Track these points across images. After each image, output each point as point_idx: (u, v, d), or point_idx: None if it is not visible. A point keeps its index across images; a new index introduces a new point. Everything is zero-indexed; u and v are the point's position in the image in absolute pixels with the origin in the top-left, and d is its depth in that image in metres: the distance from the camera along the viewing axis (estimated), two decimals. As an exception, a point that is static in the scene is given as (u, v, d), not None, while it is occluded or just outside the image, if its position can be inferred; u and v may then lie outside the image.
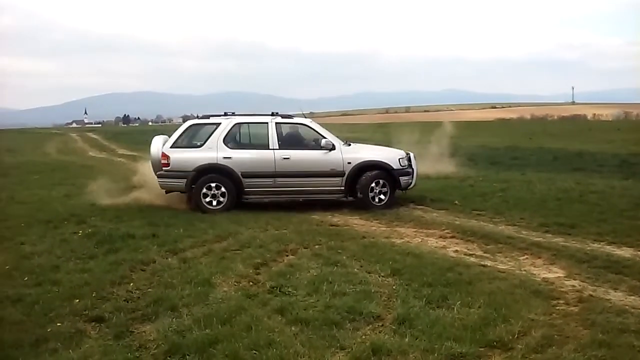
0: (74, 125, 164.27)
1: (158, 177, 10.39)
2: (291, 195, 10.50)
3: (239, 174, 10.13)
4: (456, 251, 7.23)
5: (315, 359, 4.07)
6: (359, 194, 10.23)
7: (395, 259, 6.59)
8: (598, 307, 5.00)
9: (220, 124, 10.43)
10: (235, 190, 10.15)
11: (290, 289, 5.58)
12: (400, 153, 10.92)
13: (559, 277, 6.04)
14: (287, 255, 6.99)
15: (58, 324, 4.75)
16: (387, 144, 13.10)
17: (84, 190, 11.81)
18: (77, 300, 5.30)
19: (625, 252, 6.97)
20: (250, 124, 10.86)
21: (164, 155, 10.21)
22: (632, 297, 5.32)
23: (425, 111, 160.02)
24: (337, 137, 10.72)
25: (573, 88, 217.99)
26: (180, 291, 5.53)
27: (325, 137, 10.43)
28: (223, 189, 10.09)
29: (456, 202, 10.77)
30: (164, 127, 69.45)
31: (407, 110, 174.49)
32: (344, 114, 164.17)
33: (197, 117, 11.06)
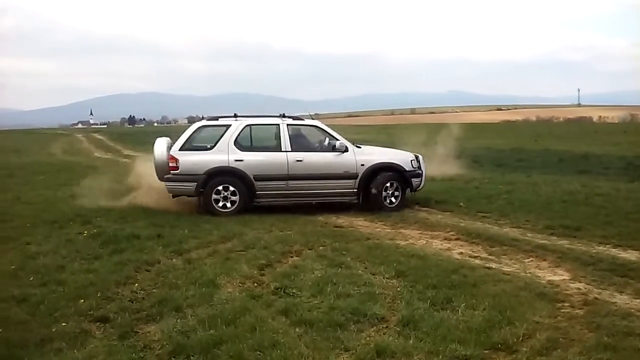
0: (80, 125, 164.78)
1: (166, 181, 10.08)
2: (304, 198, 10.30)
3: (251, 177, 9.93)
4: (461, 253, 7.22)
5: (319, 361, 4.07)
6: (372, 196, 10.18)
7: (400, 261, 6.59)
8: (603, 310, 4.98)
9: (230, 125, 10.23)
10: (247, 193, 9.95)
11: (294, 290, 5.58)
12: (411, 155, 10.93)
13: (564, 279, 6.02)
14: (291, 257, 6.99)
15: (63, 324, 4.76)
16: (393, 145, 13.07)
17: (88, 191, 11.83)
18: (82, 301, 5.31)
19: (630, 255, 6.94)
20: (261, 126, 10.64)
21: (173, 158, 9.92)
22: (638, 300, 5.29)
23: (430, 113, 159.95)
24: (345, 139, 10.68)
25: (579, 90, 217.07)
26: (185, 292, 5.54)
27: (337, 139, 10.34)
28: (235, 193, 9.88)
29: (461, 204, 10.76)
30: (169, 128, 69.63)
31: (412, 111, 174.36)
32: (349, 115, 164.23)
33: (206, 119, 10.79)
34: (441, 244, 7.75)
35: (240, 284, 5.87)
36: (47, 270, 6.35)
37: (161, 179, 10.29)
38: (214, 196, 9.85)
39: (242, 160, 9.96)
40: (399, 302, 5.26)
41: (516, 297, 5.30)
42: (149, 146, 14.23)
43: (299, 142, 10.38)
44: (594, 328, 4.59)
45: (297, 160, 10.10)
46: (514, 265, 6.61)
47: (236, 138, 10.12)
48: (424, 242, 7.90)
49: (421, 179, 10.72)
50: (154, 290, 5.72)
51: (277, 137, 10.26)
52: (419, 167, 10.73)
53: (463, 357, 4.09)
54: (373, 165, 10.30)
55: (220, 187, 9.85)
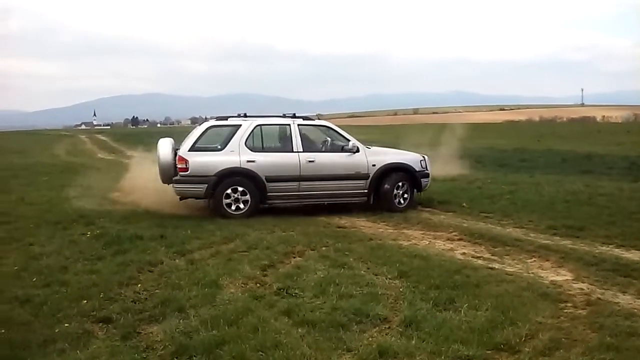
0: (83, 126, 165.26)
1: (174, 183, 9.76)
2: (315, 199, 10.17)
3: (263, 178, 9.71)
4: (464, 253, 7.22)
5: (322, 361, 4.07)
6: (383, 197, 10.17)
7: (403, 261, 6.58)
8: (606, 311, 4.97)
9: (240, 125, 9.98)
10: (259, 195, 9.76)
11: (297, 291, 5.58)
12: (420, 155, 10.96)
13: (567, 280, 6.01)
14: (294, 257, 6.99)
15: (66, 325, 4.77)
16: (396, 146, 13.07)
17: (89, 192, 11.84)
18: (85, 301, 5.32)
19: (634, 255, 6.92)
20: (271, 126, 10.43)
21: (182, 159, 9.59)
22: (641, 301, 5.28)
23: (433, 113, 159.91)
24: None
25: (582, 90, 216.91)
26: (188, 292, 5.54)
27: (349, 140, 10.25)
28: (246, 194, 9.65)
29: (464, 204, 10.75)
30: (172, 129, 69.70)
31: (416, 112, 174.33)
32: (352, 115, 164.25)
33: (215, 119, 10.45)
34: (444, 245, 7.75)
35: (242, 285, 5.87)
36: (50, 271, 6.36)
37: (165, 181, 10.06)
38: (225, 200, 9.60)
39: (254, 161, 9.74)
40: (401, 302, 5.25)
41: (519, 298, 5.29)
42: (152, 147, 14.24)
43: (309, 143, 10.26)
44: (596, 328, 4.58)
45: (309, 161, 9.95)
46: (517, 266, 6.60)
47: (247, 138, 9.90)
48: (427, 242, 7.90)
49: (429, 180, 10.79)
50: (157, 290, 5.72)
51: (289, 137, 10.09)
52: (427, 168, 10.77)
53: (465, 358, 4.08)
54: (384, 165, 10.27)
55: (230, 189, 9.61)
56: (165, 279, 6.09)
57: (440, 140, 18.24)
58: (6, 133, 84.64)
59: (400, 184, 10.29)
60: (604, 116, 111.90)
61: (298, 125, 10.17)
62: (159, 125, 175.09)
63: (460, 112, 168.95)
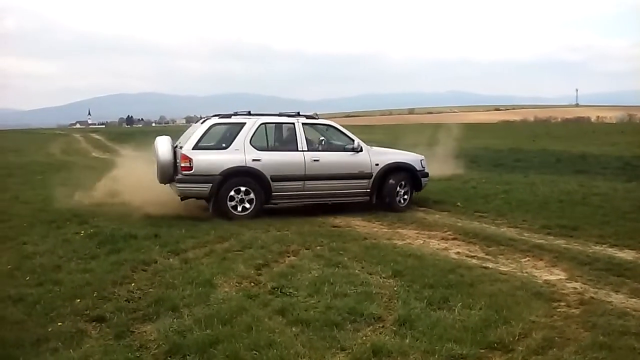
0: (78, 125, 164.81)
1: (177, 182, 9.47)
2: (319, 199, 10.08)
3: (269, 177, 9.53)
4: (458, 253, 7.23)
5: (316, 360, 4.07)
6: (386, 197, 10.18)
7: (397, 261, 6.59)
8: (599, 310, 4.99)
9: (245, 123, 9.76)
10: (264, 195, 9.57)
11: (291, 290, 5.58)
12: (419, 155, 11.02)
13: (560, 279, 6.04)
14: (288, 256, 6.99)
15: (59, 324, 4.75)
16: (392, 145, 13.07)
17: (83, 191, 11.77)
18: (79, 300, 5.30)
19: (627, 255, 6.96)
20: (276, 124, 10.26)
21: (186, 158, 9.28)
22: (634, 300, 5.31)
23: (428, 113, 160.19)
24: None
25: (577, 90, 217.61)
26: (182, 291, 5.53)
27: (353, 139, 10.19)
28: (250, 194, 9.44)
29: (458, 203, 10.78)
30: (167, 128, 69.56)
31: (411, 112, 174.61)
32: (347, 115, 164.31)
33: (219, 116, 10.12)
34: (438, 244, 7.76)
35: (237, 284, 5.86)
36: (43, 270, 6.33)
37: (164, 180, 9.86)
38: (229, 201, 9.38)
39: (259, 160, 9.54)
40: (395, 301, 5.26)
41: (513, 297, 5.31)
42: (146, 146, 14.20)
43: (313, 142, 10.16)
44: (589, 327, 4.60)
45: (314, 160, 9.83)
46: (511, 265, 6.62)
47: (252, 137, 9.68)
48: (421, 241, 7.91)
49: (428, 179, 10.90)
50: (151, 290, 5.71)
51: (293, 136, 9.95)
52: (426, 167, 10.85)
53: (459, 356, 4.09)
54: (387, 165, 10.28)
55: (239, 189, 9.40)
56: (159, 278, 6.07)
57: (434, 140, 18.25)
58: (1, 132, 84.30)
59: (402, 183, 10.33)
60: (598, 116, 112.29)
61: (302, 123, 10.06)
62: (153, 124, 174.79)
63: (455, 112, 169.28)
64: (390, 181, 10.21)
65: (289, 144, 10.00)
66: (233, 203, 9.40)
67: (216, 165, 9.37)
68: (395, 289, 5.63)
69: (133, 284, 5.86)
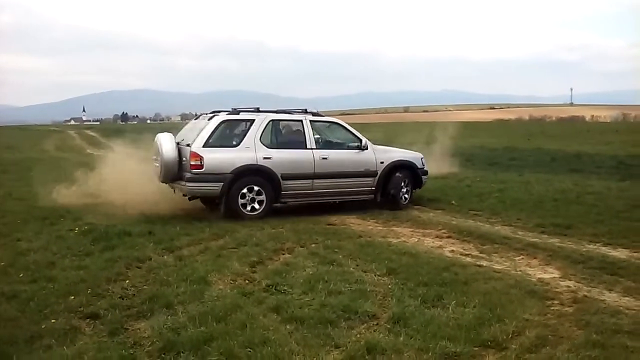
0: (72, 122, 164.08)
1: (187, 182, 9.08)
2: (327, 197, 9.98)
3: (279, 175, 9.35)
4: (452, 251, 7.24)
5: (310, 357, 4.06)
6: (391, 194, 10.19)
7: (392, 259, 6.60)
8: (592, 308, 5.01)
9: (254, 120, 9.54)
10: (274, 193, 9.38)
11: (286, 288, 5.58)
12: (420, 153, 11.10)
13: (554, 277, 6.05)
14: (283, 254, 6.99)
15: (53, 321, 4.74)
16: (388, 144, 13.07)
17: (78, 188, 11.72)
18: (72, 297, 5.29)
19: (620, 254, 6.98)
20: (284, 122, 10.07)
21: (196, 156, 8.96)
22: (627, 298, 5.33)
23: (423, 111, 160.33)
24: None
25: (572, 89, 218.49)
26: (176, 289, 5.52)
27: (358, 137, 10.16)
28: (262, 193, 9.24)
29: (453, 202, 10.82)
30: (162, 125, 69.32)
31: (406, 110, 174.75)
32: (342, 113, 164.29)
33: (226, 113, 9.79)
34: (433, 242, 7.77)
35: (231, 281, 5.86)
36: (37, 266, 6.32)
37: (167, 180, 9.55)
38: (240, 200, 9.16)
39: (270, 158, 9.33)
40: (389, 299, 5.26)
41: (506, 295, 5.32)
42: (140, 143, 14.14)
43: (321, 140, 10.08)
44: (583, 325, 4.61)
45: (323, 158, 9.72)
46: (505, 263, 6.64)
47: (262, 134, 9.46)
48: (416, 240, 7.92)
49: (427, 177, 11.00)
50: (145, 287, 5.70)
51: (302, 133, 9.79)
52: (425, 166, 10.94)
53: (453, 354, 4.10)
54: (392, 162, 10.29)
55: (249, 188, 9.18)
56: (154, 275, 6.06)
57: (430, 138, 18.29)
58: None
59: (405, 180, 10.38)
60: (592, 115, 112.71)
61: (310, 121, 9.94)
62: (148, 121, 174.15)
63: (450, 110, 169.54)
64: (397, 174, 10.27)
65: (298, 141, 9.81)
66: (244, 202, 9.19)
67: (227, 164, 9.11)
68: (389, 286, 5.64)
69: (127, 281, 5.85)
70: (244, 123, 9.63)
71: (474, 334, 4.37)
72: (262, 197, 9.28)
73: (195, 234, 7.97)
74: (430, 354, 4.09)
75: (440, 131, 19.81)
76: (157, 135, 9.84)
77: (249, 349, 4.13)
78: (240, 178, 9.16)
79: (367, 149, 10.13)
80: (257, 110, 9.95)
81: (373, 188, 10.18)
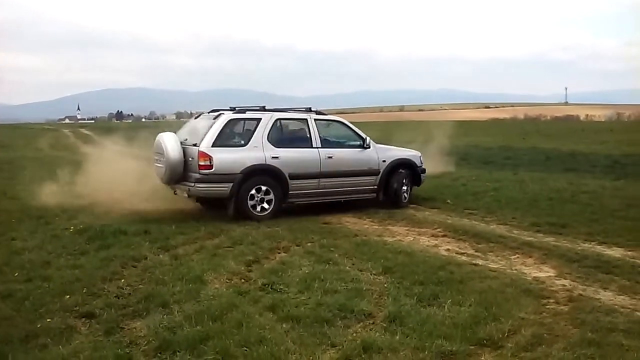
0: (67, 121, 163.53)
1: (195, 183, 8.85)
2: (331, 196, 9.90)
3: (287, 175, 9.25)
4: (448, 250, 7.26)
5: (306, 356, 4.07)
6: (393, 192, 10.21)
7: (387, 257, 6.61)
8: (588, 307, 5.03)
9: (260, 119, 9.39)
10: (282, 193, 9.27)
11: (281, 287, 5.58)
12: (418, 152, 11.12)
13: (549, 276, 6.07)
14: (279, 253, 6.99)
15: (48, 320, 4.73)
16: (385, 142, 13.07)
17: (72, 187, 11.68)
18: (68, 296, 5.28)
19: (615, 252, 7.02)
20: (289, 120, 9.93)
21: (205, 156, 8.75)
22: (622, 297, 5.36)
23: (419, 110, 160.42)
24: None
25: (566, 88, 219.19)
26: (172, 288, 5.51)
27: (362, 136, 10.14)
28: (270, 193, 9.12)
29: (448, 201, 10.84)
30: (157, 124, 69.12)
31: (401, 109, 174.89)
32: (339, 112, 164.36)
33: (232, 111, 9.53)
34: (428, 241, 7.79)
35: (227, 280, 5.86)
36: (32, 265, 6.30)
37: (171, 181, 9.34)
38: (250, 200, 9.00)
39: (277, 157, 9.20)
40: (385, 298, 5.27)
41: (502, 294, 5.34)
42: (135, 141, 14.09)
43: (325, 138, 9.99)
44: (578, 324, 4.64)
45: (328, 157, 9.67)
46: (500, 262, 6.66)
47: (269, 133, 9.32)
48: (412, 238, 7.93)
49: (425, 176, 11.06)
50: (141, 286, 5.69)
51: (307, 132, 9.73)
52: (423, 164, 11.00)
53: (449, 353, 4.11)
54: (393, 161, 10.32)
55: (254, 188, 9.03)
56: (149, 274, 6.06)
57: (425, 137, 18.27)
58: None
59: (405, 179, 10.42)
60: (587, 115, 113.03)
61: (314, 120, 9.87)
62: (143, 119, 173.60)
63: (446, 109, 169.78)
64: (400, 170, 10.32)
65: (303, 140, 9.74)
66: (252, 203, 9.05)
67: (237, 164, 8.95)
68: (385, 285, 5.65)
69: (123, 280, 5.84)
70: (251, 122, 9.50)
71: (469, 333, 4.39)
72: (271, 196, 9.16)
73: (190, 232, 7.95)
74: (426, 352, 4.10)
75: (435, 130, 19.82)
76: (159, 135, 9.60)
77: (245, 348, 4.13)
78: (250, 178, 9.03)
79: (370, 147, 10.14)
80: (263, 109, 9.88)
81: (375, 187, 10.20)
